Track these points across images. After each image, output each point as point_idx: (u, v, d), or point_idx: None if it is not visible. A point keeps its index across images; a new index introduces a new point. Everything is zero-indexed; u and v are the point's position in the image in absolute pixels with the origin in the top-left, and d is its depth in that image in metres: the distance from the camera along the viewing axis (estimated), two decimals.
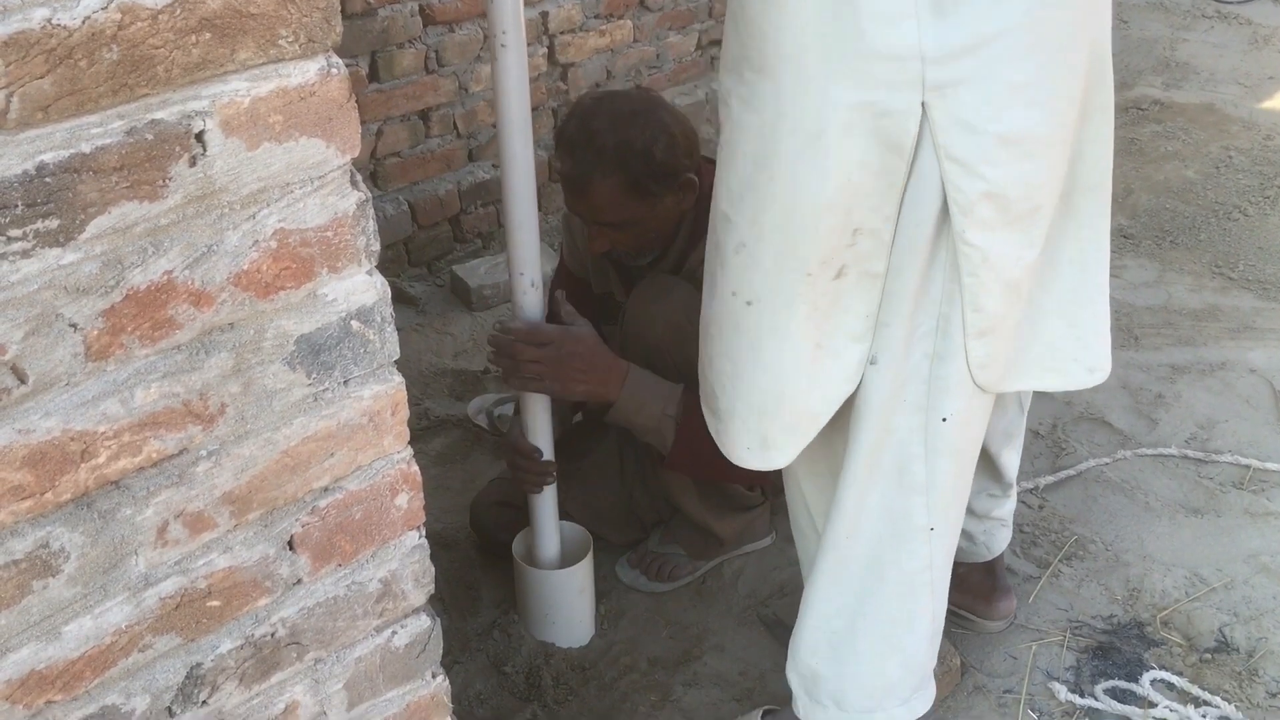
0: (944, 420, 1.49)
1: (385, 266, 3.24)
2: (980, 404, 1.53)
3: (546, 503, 2.05)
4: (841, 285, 1.42)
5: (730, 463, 1.98)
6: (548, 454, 2.01)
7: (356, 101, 2.86)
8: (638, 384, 1.93)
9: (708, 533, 2.25)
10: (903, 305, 1.43)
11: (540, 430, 1.98)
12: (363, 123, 3.02)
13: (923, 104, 1.31)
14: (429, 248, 3.33)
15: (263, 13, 0.83)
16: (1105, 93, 1.44)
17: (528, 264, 1.82)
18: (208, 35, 0.81)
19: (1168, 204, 3.54)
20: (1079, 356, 1.56)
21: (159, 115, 0.81)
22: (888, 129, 1.32)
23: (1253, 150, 3.82)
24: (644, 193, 1.93)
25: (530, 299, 1.85)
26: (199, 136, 0.83)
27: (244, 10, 0.82)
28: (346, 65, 3.07)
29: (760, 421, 1.52)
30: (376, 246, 0.97)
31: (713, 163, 2.06)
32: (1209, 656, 2.05)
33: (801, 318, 1.44)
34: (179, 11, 0.79)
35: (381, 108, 3.09)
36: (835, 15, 1.29)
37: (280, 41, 0.85)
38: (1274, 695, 1.97)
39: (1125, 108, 4.06)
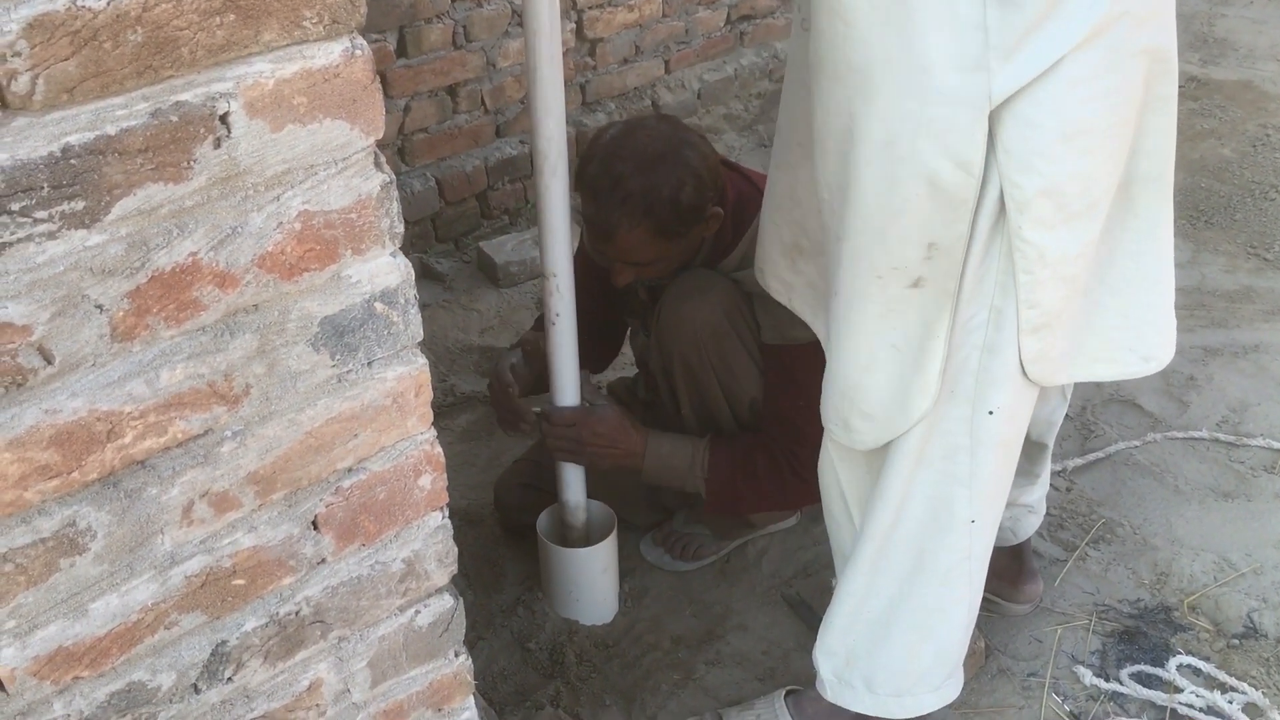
0: (990, 413, 1.49)
1: (412, 243, 3.27)
2: (1027, 397, 1.52)
3: (573, 480, 2.06)
4: (921, 295, 1.42)
5: (766, 497, 2.03)
6: (572, 400, 2.00)
7: (384, 77, 2.86)
8: (658, 452, 2.05)
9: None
10: (960, 301, 1.42)
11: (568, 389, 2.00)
12: (390, 98, 3.04)
13: (989, 116, 1.30)
14: (456, 224, 3.33)
15: None
16: (1168, 83, 1.41)
17: (559, 264, 1.83)
18: (232, 17, 0.80)
19: (1203, 183, 3.49)
20: (1134, 346, 1.55)
21: (183, 97, 0.81)
22: (953, 145, 1.31)
23: None
24: (671, 235, 1.91)
25: (562, 301, 1.88)
26: (223, 118, 0.83)
27: None
28: (374, 41, 3.06)
29: (842, 403, 1.54)
30: (400, 228, 0.97)
31: (735, 169, 2.05)
32: (1236, 642, 2.03)
33: (874, 317, 1.45)
34: None
35: (409, 83, 3.09)
36: (899, 30, 1.28)
37: (304, 23, 0.84)
38: None
39: None
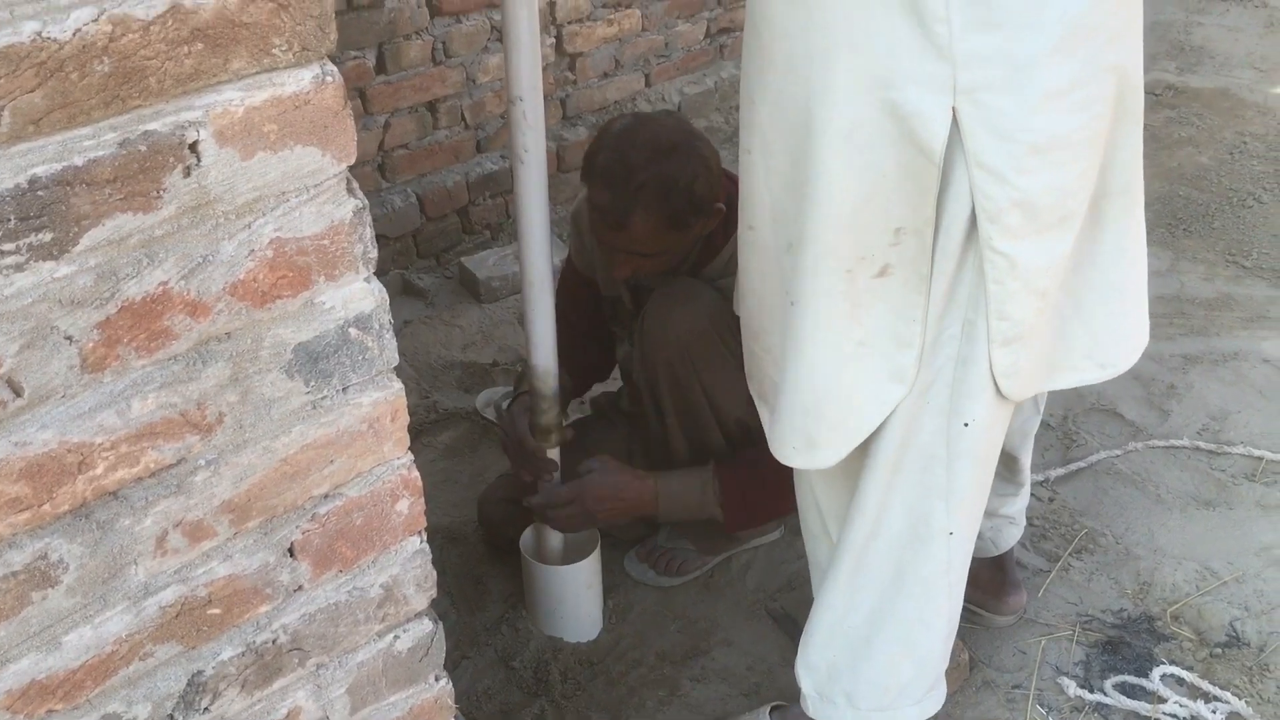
0: (966, 425, 1.49)
1: (394, 259, 3.26)
2: (1002, 409, 1.52)
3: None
4: (887, 284, 1.41)
5: (785, 494, 2.00)
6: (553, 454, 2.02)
7: (363, 94, 2.86)
8: (669, 491, 2.05)
9: (715, 527, 2.24)
10: (933, 308, 1.42)
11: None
12: (370, 114, 3.04)
13: (953, 108, 1.30)
14: (437, 239, 3.33)
15: (255, 22, 0.82)
16: (1136, 99, 1.43)
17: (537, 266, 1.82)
18: (200, 45, 0.80)
19: (1181, 191, 3.51)
20: (1091, 353, 1.55)
21: (152, 126, 0.80)
22: (916, 130, 1.31)
23: (1268, 136, 3.78)
24: (681, 226, 1.91)
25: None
26: (193, 147, 0.82)
27: (236, 20, 0.81)
28: (353, 58, 3.06)
29: (806, 420, 1.52)
30: (374, 253, 0.97)
31: (733, 178, 2.06)
32: (1219, 651, 2.04)
33: (841, 315, 1.44)
34: (171, 23, 0.78)
35: (389, 100, 3.09)
36: (865, 13, 1.29)
37: (274, 50, 0.84)
38: None
39: None
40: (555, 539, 2.09)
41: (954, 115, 1.31)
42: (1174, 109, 3.99)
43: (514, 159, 1.68)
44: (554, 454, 2.00)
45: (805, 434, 1.53)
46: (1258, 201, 3.43)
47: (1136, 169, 1.48)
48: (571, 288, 2.22)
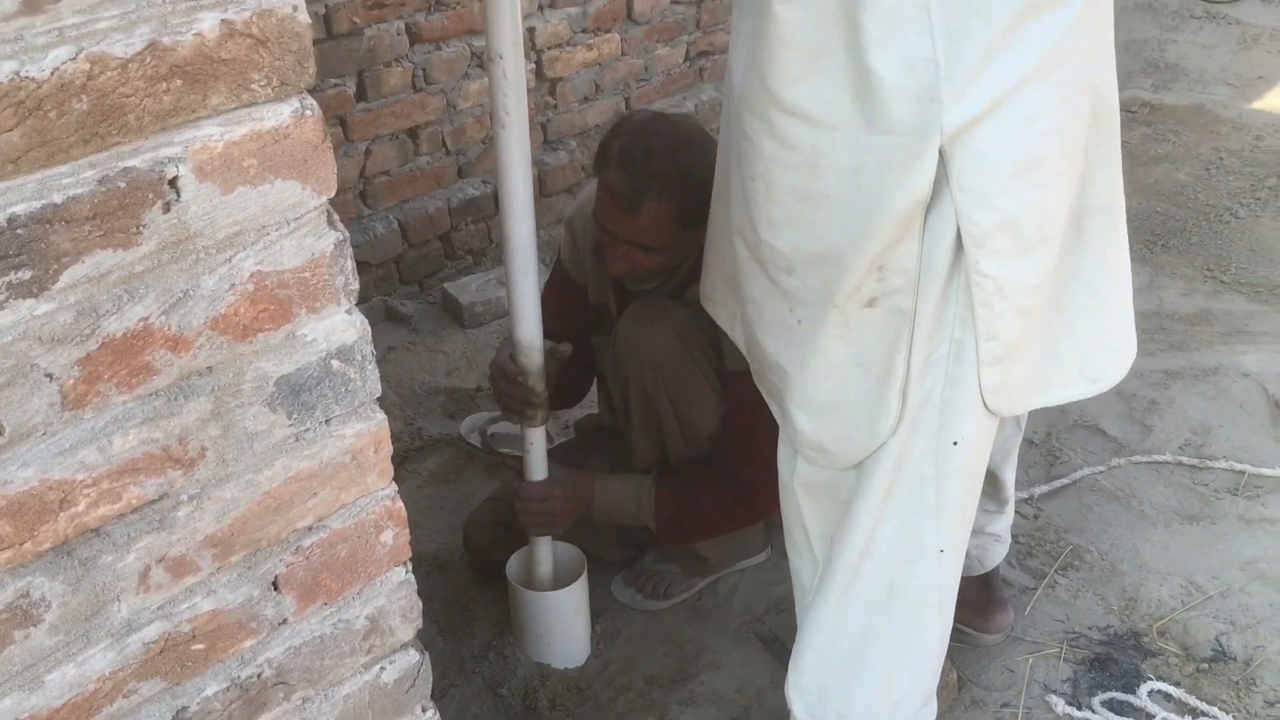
0: (955, 444, 1.50)
1: (376, 285, 3.26)
2: (989, 427, 1.54)
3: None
4: (874, 315, 1.43)
5: (718, 522, 2.05)
6: (541, 475, 2.02)
7: (344, 121, 2.85)
8: (606, 493, 2.11)
9: (698, 556, 2.25)
10: (920, 332, 1.43)
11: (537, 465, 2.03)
12: (350, 141, 3.04)
13: (940, 149, 1.32)
14: (420, 265, 3.33)
15: (234, 58, 0.82)
16: (1111, 118, 1.45)
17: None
18: (179, 82, 0.80)
19: (1159, 207, 3.54)
20: (1082, 368, 1.57)
21: (131, 163, 0.80)
22: (907, 174, 1.34)
23: (1243, 151, 3.82)
24: (689, 222, 1.91)
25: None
26: (172, 183, 0.82)
27: (215, 56, 0.81)
28: (334, 85, 3.06)
29: (817, 429, 1.55)
30: (355, 285, 0.97)
31: None
32: (1206, 666, 2.04)
33: (836, 339, 1.47)
34: (149, 60, 0.78)
35: (370, 127, 3.09)
36: (855, 57, 1.31)
37: (253, 85, 0.84)
38: (1272, 704, 1.97)
39: None
40: (542, 565, 2.09)
41: (940, 153, 1.32)
42: (1150, 126, 4.03)
43: (494, 122, 1.66)
44: (539, 435, 1.99)
45: (815, 441, 1.56)
46: (1234, 216, 3.46)
47: (1116, 186, 1.50)
48: (559, 295, 2.22)
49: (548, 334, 1.92)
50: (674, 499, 2.08)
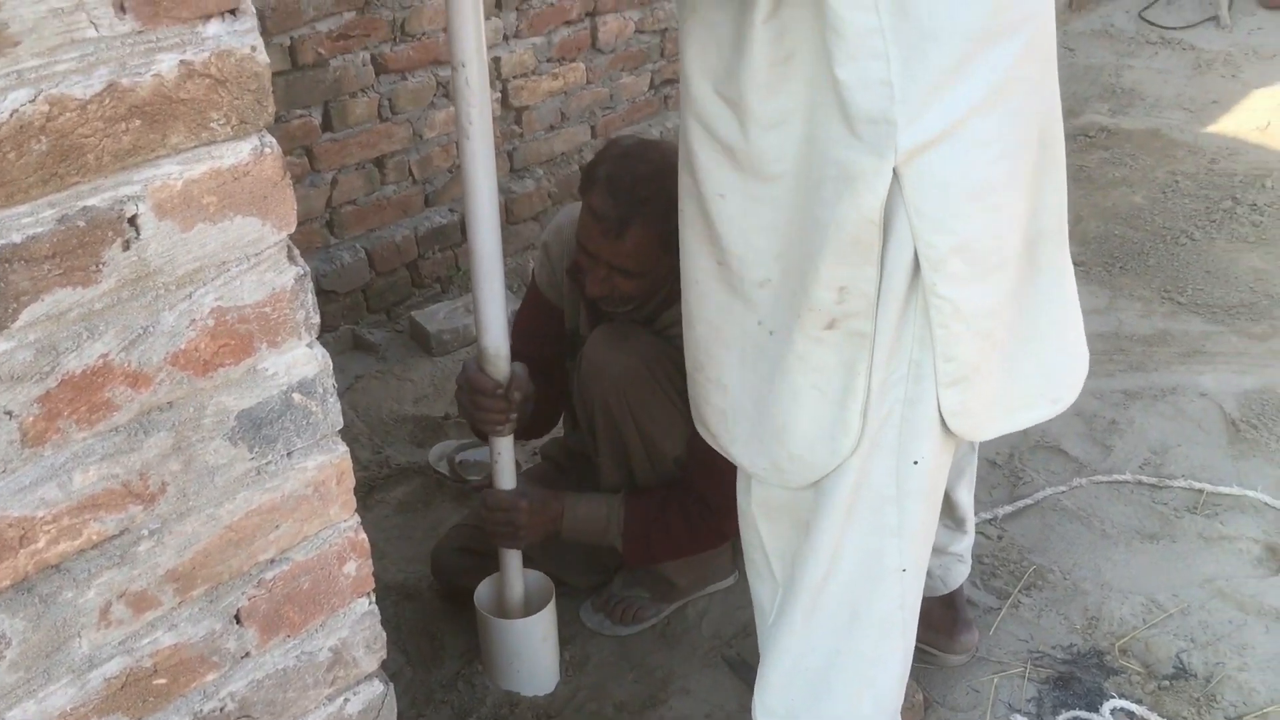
0: (915, 463, 1.52)
1: (344, 314, 3.25)
2: (948, 446, 1.56)
3: (510, 552, 2.06)
4: (833, 337, 1.46)
5: (685, 543, 2.05)
6: (509, 484, 2.01)
7: (310, 151, 2.85)
8: (575, 512, 2.10)
9: (667, 581, 2.26)
10: (880, 354, 1.46)
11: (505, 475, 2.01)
12: (317, 171, 3.05)
13: (895, 168, 1.35)
14: (387, 294, 3.33)
15: (193, 98, 0.84)
16: (1058, 145, 1.50)
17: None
18: (138, 122, 0.81)
19: (1116, 230, 3.60)
20: (1044, 390, 1.60)
21: (90, 202, 0.81)
22: (861, 192, 1.36)
23: (1198, 175, 3.89)
24: (671, 248, 1.90)
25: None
26: (132, 221, 0.84)
27: (174, 96, 0.83)
28: (299, 116, 3.05)
29: (773, 444, 1.56)
30: (316, 319, 0.98)
31: None
32: (1167, 683, 2.07)
33: (797, 358, 1.49)
34: (108, 101, 0.79)
35: (336, 157, 3.10)
36: (822, 74, 1.35)
37: (212, 124, 0.86)
38: None
39: (1073, 135, 4.12)
40: (511, 592, 2.09)
41: (895, 174, 1.35)
42: (1108, 150, 4.09)
43: (459, 133, 1.65)
44: (507, 442, 1.98)
45: (771, 457, 1.57)
46: (1190, 239, 3.52)
47: (1063, 210, 1.54)
48: (533, 319, 2.23)
49: (522, 358, 1.92)
50: (643, 518, 2.09)
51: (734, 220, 1.50)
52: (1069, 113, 4.32)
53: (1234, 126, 4.22)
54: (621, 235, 1.90)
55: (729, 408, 1.60)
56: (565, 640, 2.20)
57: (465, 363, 1.95)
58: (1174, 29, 4.99)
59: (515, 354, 1.91)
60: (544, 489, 2.10)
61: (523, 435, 2.28)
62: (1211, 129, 4.22)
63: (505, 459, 2.00)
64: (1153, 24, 5.06)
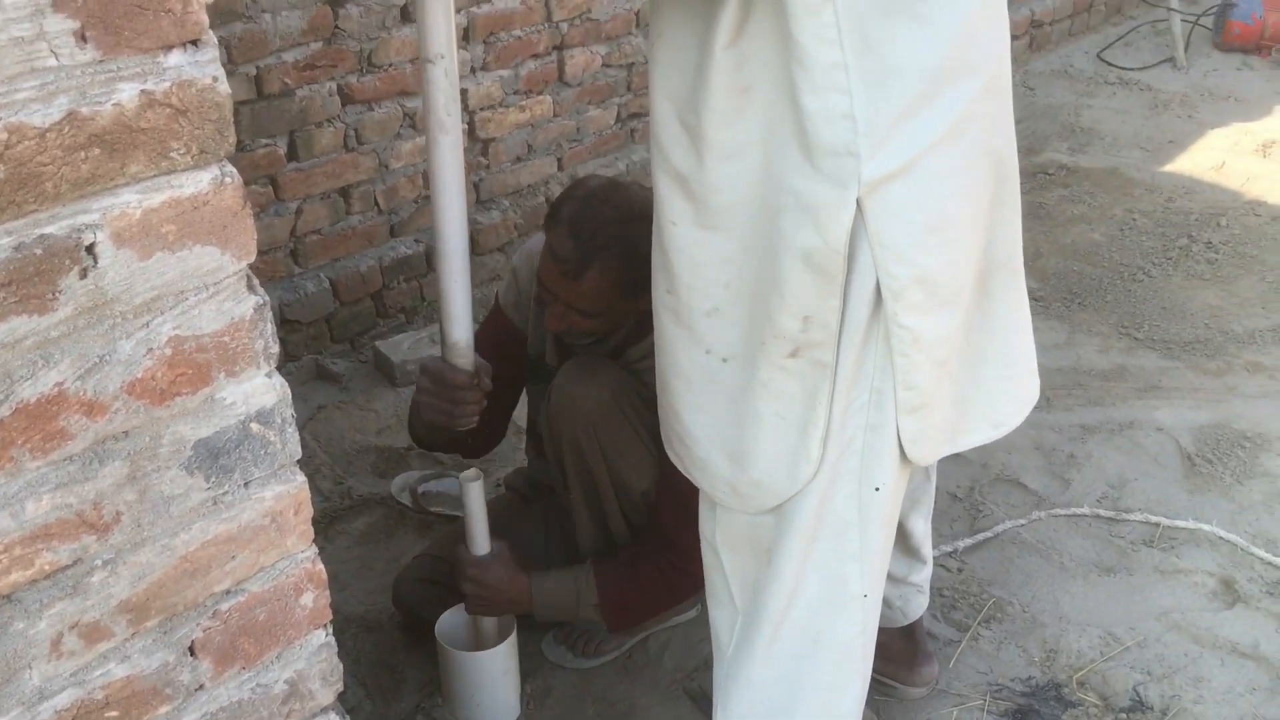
0: (877, 489, 1.54)
1: (307, 344, 3.24)
2: (905, 471, 1.59)
3: None
4: (796, 365, 1.47)
5: (663, 598, 2.05)
6: (482, 548, 2.00)
7: (275, 181, 2.84)
8: (544, 592, 2.07)
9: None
10: (841, 381, 1.48)
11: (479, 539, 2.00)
12: (281, 201, 3.05)
13: (858, 199, 1.37)
14: (352, 324, 3.32)
15: (154, 127, 0.84)
16: (1012, 180, 1.53)
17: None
18: (97, 151, 0.82)
19: (1075, 266, 3.65)
20: (986, 414, 1.62)
21: (48, 230, 0.81)
22: (825, 223, 1.38)
23: (1155, 213, 3.96)
24: (630, 293, 1.92)
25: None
26: (89, 249, 0.83)
27: (134, 126, 0.83)
28: (265, 145, 3.04)
29: (733, 470, 1.57)
30: (276, 348, 0.98)
31: None
32: (1124, 716, 2.08)
33: (760, 385, 1.50)
34: (68, 129, 0.80)
35: (301, 186, 3.10)
36: (785, 107, 1.37)
37: (172, 154, 0.86)
38: None
39: (1033, 173, 4.19)
40: (473, 624, 2.08)
41: (858, 205, 1.37)
42: (1067, 188, 4.16)
43: (434, 125, 1.64)
44: (479, 503, 1.95)
45: (730, 483, 1.58)
46: (1147, 275, 3.57)
47: (1017, 243, 1.58)
48: (492, 337, 2.23)
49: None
50: (616, 583, 2.07)
51: (685, 250, 1.52)
52: (1030, 150, 4.41)
53: (1190, 166, 4.30)
54: (579, 277, 1.91)
55: (686, 433, 1.61)
56: (527, 673, 2.19)
57: (424, 363, 1.92)
58: (1131, 70, 5.09)
59: None
60: (513, 569, 2.04)
61: (466, 451, 2.26)
62: (1168, 168, 4.30)
63: (478, 520, 1.98)
64: (1111, 64, 5.15)
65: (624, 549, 2.11)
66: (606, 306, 1.95)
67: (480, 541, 1.99)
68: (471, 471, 1.94)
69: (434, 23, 1.59)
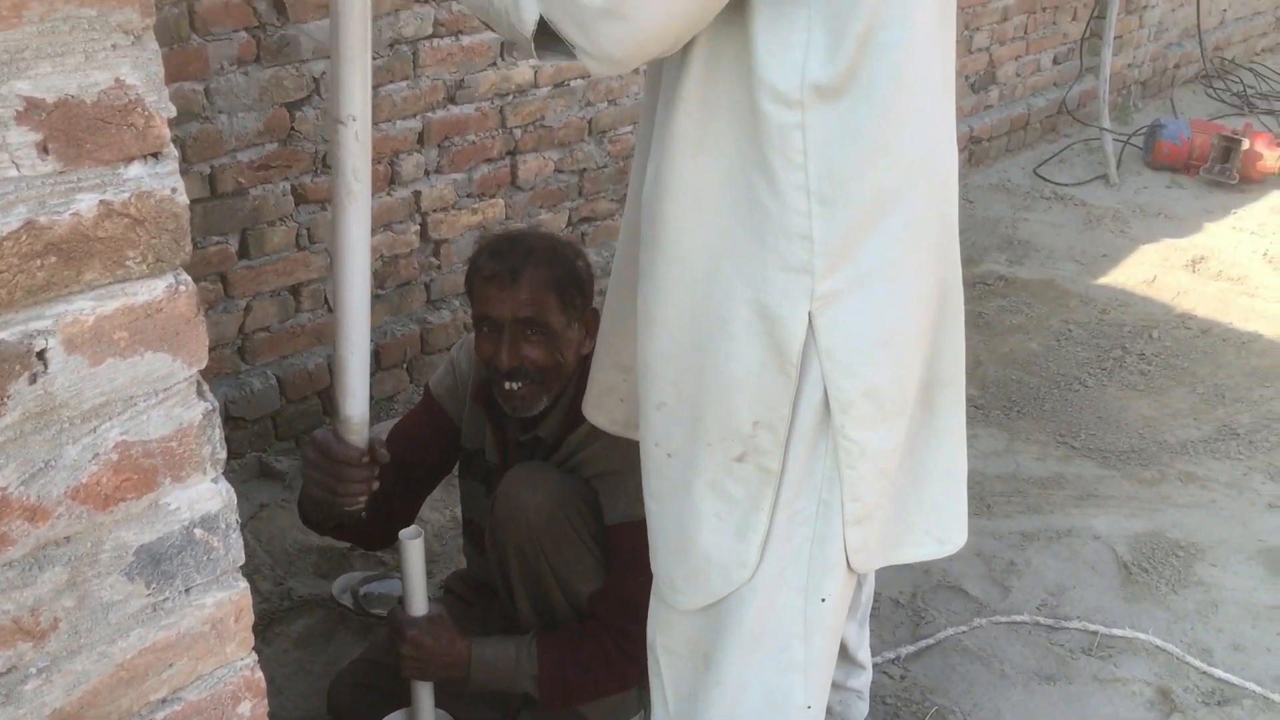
0: (823, 600, 1.55)
1: (251, 441, 3.21)
2: (851, 582, 1.60)
3: (423, 694, 2.02)
4: (742, 470, 1.49)
5: (604, 679, 2.04)
6: (420, 609, 1.97)
7: (225, 278, 2.84)
8: (483, 658, 2.02)
9: (576, 715, 2.22)
10: (786, 491, 1.50)
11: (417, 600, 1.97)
12: (230, 298, 3.05)
13: (809, 313, 1.41)
14: (297, 421, 3.30)
15: (110, 236, 0.85)
16: (956, 300, 1.59)
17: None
18: (53, 259, 0.83)
19: (1014, 375, 3.74)
20: (931, 529, 1.65)
21: (0, 336, 0.82)
22: (779, 334, 1.43)
23: (1090, 324, 4.07)
24: (565, 299, 2.01)
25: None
26: (40, 354, 0.84)
27: (91, 235, 0.84)
28: (216, 243, 3.05)
29: (670, 560, 1.59)
30: (223, 454, 0.98)
31: (598, 315, 2.13)
32: None
33: (703, 483, 1.52)
34: (24, 238, 0.81)
35: (251, 284, 3.10)
36: (743, 221, 1.42)
37: (128, 262, 0.87)
38: None
39: (973, 283, 4.30)
40: None
41: (809, 318, 1.42)
42: (1005, 298, 4.27)
43: (341, 189, 1.57)
44: (418, 563, 1.90)
45: (669, 575, 1.59)
46: (1083, 385, 3.66)
47: (960, 358, 1.62)
48: (421, 424, 2.25)
49: (400, 461, 1.91)
50: (557, 658, 2.05)
51: (638, 340, 1.56)
52: (969, 261, 4.53)
53: (1123, 279, 4.44)
54: (516, 281, 1.99)
55: (646, 515, 1.63)
56: None
57: (314, 436, 1.84)
58: (1066, 185, 5.27)
59: (394, 456, 1.90)
60: (451, 632, 2.01)
61: (364, 541, 2.24)
62: (1102, 280, 4.43)
63: (415, 579, 1.92)
64: (1046, 180, 5.34)
65: (570, 625, 2.09)
66: (549, 312, 2.01)
67: (418, 602, 1.95)
68: (412, 529, 1.90)
69: (349, 81, 1.53)
